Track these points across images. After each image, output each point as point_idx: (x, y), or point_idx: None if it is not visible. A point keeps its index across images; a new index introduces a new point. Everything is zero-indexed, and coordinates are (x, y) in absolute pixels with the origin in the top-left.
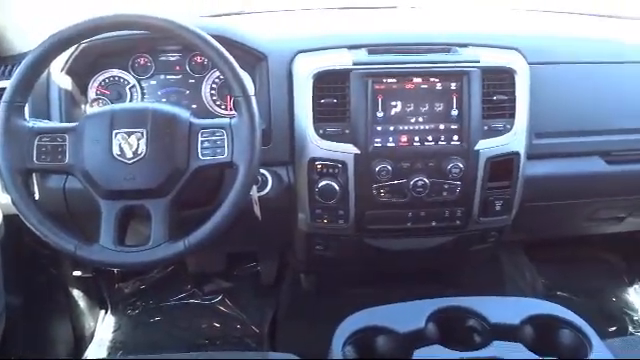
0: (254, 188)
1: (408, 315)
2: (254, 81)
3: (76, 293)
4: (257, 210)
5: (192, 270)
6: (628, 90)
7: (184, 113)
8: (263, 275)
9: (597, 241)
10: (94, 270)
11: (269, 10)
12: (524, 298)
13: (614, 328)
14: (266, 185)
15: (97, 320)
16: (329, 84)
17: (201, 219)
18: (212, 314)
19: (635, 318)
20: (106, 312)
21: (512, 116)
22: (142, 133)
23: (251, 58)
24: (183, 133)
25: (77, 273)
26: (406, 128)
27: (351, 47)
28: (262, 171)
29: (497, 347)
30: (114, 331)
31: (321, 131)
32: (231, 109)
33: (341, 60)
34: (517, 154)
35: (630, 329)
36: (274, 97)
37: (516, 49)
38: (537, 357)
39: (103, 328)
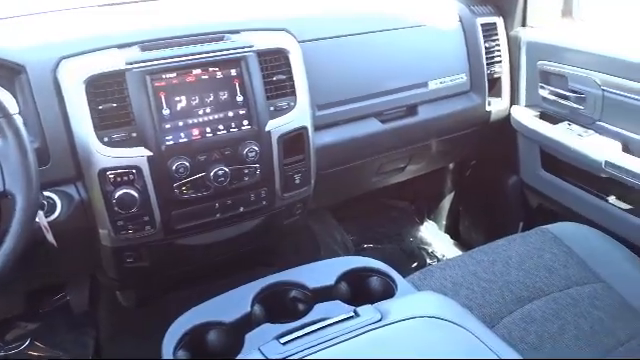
0: (40, 214)
1: (233, 303)
2: (15, 97)
3: None
4: (50, 237)
5: None
6: (389, 54)
7: None
8: (74, 304)
9: (388, 192)
10: None
11: (21, 14)
12: (335, 258)
13: (415, 264)
14: (55, 208)
15: None
16: (104, 88)
17: None
18: None
19: (430, 251)
20: None
21: (293, 93)
22: None
23: (6, 71)
24: None
25: None
26: (196, 121)
27: (121, 46)
28: (46, 194)
29: (318, 309)
30: None
31: (106, 139)
32: None
33: (112, 61)
34: (305, 128)
35: (428, 261)
36: (43, 111)
37: (286, 30)
38: (353, 308)
39: None
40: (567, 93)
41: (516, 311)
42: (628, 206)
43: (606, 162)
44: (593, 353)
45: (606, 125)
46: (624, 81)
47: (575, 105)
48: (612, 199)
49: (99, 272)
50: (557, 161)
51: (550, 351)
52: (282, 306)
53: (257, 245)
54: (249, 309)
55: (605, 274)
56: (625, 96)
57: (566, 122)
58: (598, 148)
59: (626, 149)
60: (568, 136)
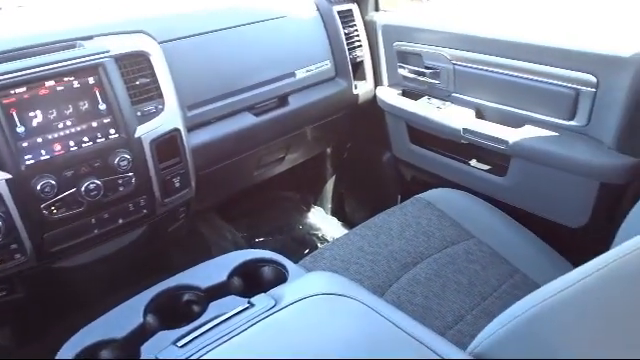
0: None
1: (124, 317)
2: None
3: None
4: None
5: None
6: (254, 48)
7: None
8: None
9: (273, 184)
10: None
11: None
12: (224, 255)
13: (307, 250)
14: None
15: None
16: None
17: None
18: None
19: (320, 235)
20: None
21: (160, 96)
22: None
23: None
24: None
25: None
26: (57, 136)
27: None
28: None
29: (214, 307)
30: None
31: None
32: None
33: None
34: (177, 130)
35: (319, 245)
36: None
37: (143, 32)
38: (247, 299)
39: None
40: (423, 70)
41: (402, 277)
42: (487, 167)
43: (464, 129)
44: (472, 302)
45: (460, 96)
46: (468, 54)
47: (431, 80)
48: (473, 162)
49: None
50: (423, 134)
51: (435, 307)
52: (177, 311)
53: (144, 256)
54: (141, 320)
55: (476, 230)
56: (471, 67)
57: (426, 97)
58: (456, 117)
59: (479, 115)
60: (429, 109)
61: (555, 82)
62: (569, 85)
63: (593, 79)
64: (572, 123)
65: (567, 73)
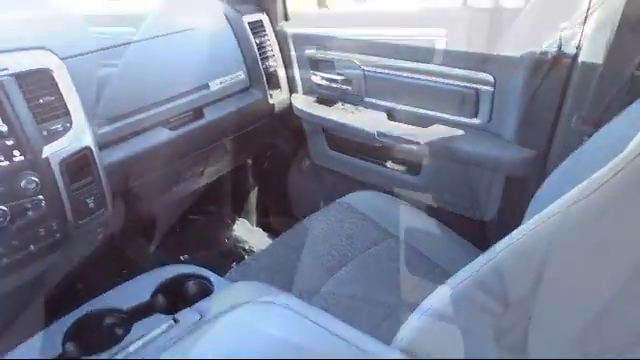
0: None
1: (41, 348)
2: None
3: None
4: None
5: None
6: (164, 61)
7: None
8: None
9: (195, 198)
10: None
11: None
12: (146, 273)
13: (234, 263)
14: None
15: None
16: None
17: None
18: None
19: (247, 247)
20: None
21: (67, 114)
22: None
23: None
24: None
25: None
26: None
27: None
28: None
29: (137, 328)
30: None
31: None
32: None
33: None
34: (88, 148)
35: (246, 257)
36: None
37: (44, 48)
38: (172, 316)
39: None
40: (335, 77)
41: (329, 281)
42: (402, 167)
43: (378, 132)
44: (397, 299)
45: (372, 100)
46: (377, 59)
47: (344, 86)
48: (389, 164)
49: None
50: (340, 139)
51: (362, 307)
52: (99, 335)
53: (61, 282)
54: (60, 349)
55: (395, 230)
56: (380, 72)
57: (340, 103)
58: (369, 121)
59: (391, 118)
60: (343, 115)
61: (458, 83)
62: (470, 85)
63: (491, 78)
64: (475, 121)
65: (468, 73)
